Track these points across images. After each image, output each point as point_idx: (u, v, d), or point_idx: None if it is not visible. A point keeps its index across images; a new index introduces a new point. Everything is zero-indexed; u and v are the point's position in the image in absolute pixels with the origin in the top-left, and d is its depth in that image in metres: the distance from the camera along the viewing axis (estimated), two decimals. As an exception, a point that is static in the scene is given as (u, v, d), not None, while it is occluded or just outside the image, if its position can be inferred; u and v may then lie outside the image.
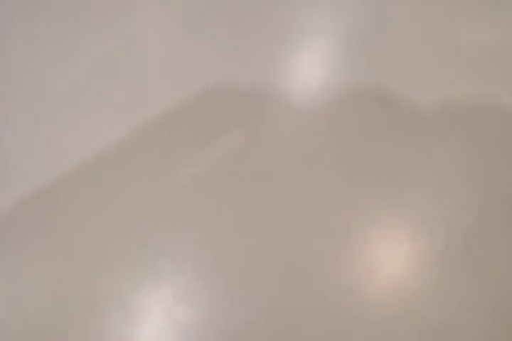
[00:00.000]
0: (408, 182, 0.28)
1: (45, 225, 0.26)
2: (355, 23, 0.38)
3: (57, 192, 0.28)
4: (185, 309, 0.23)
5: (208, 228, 0.26)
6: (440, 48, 0.36)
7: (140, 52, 0.37)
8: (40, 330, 0.23)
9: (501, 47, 0.37)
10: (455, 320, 0.23)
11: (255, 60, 0.35)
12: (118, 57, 0.36)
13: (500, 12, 0.39)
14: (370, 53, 0.36)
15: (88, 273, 0.25)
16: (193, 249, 0.25)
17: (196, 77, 0.33)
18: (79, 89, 0.34)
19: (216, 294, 0.24)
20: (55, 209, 0.27)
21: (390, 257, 0.26)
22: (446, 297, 0.24)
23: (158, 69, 0.35)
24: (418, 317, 0.24)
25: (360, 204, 0.27)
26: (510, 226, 0.27)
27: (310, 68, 0.35)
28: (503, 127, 0.31)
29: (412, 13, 0.39)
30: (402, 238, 0.26)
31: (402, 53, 0.36)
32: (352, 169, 0.29)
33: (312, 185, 0.28)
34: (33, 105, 0.32)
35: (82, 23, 0.38)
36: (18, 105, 0.32)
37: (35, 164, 0.29)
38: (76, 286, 0.24)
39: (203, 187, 0.28)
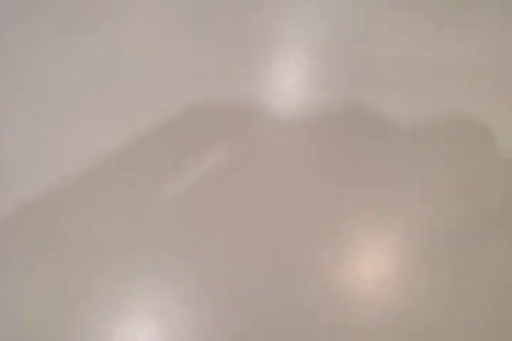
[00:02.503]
0: (395, 190, 0.29)
1: (35, 237, 0.26)
2: (338, 37, 0.38)
3: (51, 201, 0.27)
4: (170, 330, 0.23)
5: (196, 242, 0.26)
6: (422, 63, 0.36)
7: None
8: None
9: (481, 64, 0.37)
10: (443, 329, 0.24)
11: (237, 76, 0.34)
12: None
13: (479, 29, 0.39)
14: (352, 67, 0.36)
15: (75, 286, 0.24)
16: (181, 266, 0.25)
17: (182, 93, 0.33)
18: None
19: (201, 316, 0.24)
20: (48, 218, 0.27)
21: (379, 263, 0.26)
22: (435, 306, 0.24)
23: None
24: (407, 326, 0.24)
25: (349, 212, 0.27)
26: (493, 235, 0.27)
27: (293, 81, 0.35)
28: (477, 136, 0.32)
29: (394, 27, 0.39)
30: (391, 244, 0.26)
31: (383, 67, 0.36)
32: (339, 179, 0.29)
33: (299, 196, 0.28)
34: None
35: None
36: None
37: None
38: (62, 298, 0.24)
39: (189, 201, 0.28)
